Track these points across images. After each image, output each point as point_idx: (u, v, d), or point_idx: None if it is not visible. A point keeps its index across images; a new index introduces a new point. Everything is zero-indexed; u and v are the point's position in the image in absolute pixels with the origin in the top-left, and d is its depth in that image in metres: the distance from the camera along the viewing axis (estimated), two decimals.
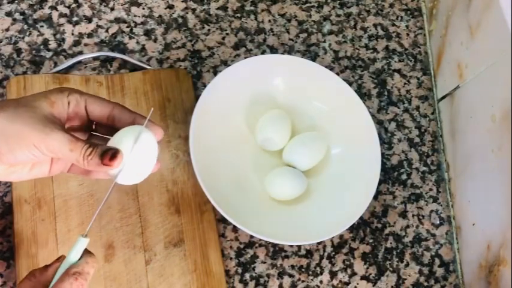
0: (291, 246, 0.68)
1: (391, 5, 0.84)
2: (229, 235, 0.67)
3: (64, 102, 0.48)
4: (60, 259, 0.48)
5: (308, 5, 0.81)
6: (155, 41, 0.74)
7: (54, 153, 0.46)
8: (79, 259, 0.47)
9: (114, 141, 0.48)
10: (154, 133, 0.49)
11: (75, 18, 0.73)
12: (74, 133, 0.49)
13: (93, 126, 0.52)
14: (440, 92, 0.79)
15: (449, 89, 0.75)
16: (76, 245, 0.47)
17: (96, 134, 0.52)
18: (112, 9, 0.75)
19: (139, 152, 0.47)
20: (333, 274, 0.68)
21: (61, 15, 0.73)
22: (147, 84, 0.70)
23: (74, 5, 0.74)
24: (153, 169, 0.50)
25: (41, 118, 0.46)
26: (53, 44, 0.71)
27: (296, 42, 0.78)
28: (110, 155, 0.46)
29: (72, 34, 0.72)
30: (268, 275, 0.66)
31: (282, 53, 0.77)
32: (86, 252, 0.47)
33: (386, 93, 0.78)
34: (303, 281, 0.67)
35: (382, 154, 0.74)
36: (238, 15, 0.78)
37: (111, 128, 0.50)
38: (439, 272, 0.71)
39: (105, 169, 0.46)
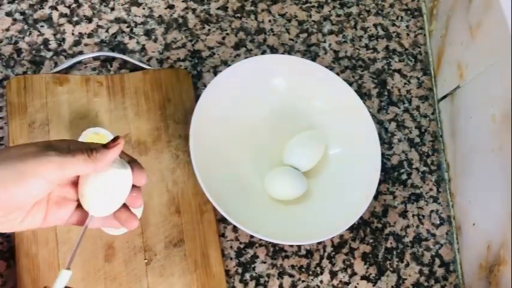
0: (291, 246, 0.68)
1: (391, 5, 0.84)
2: (230, 235, 0.67)
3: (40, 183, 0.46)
4: None
5: (308, 5, 0.81)
6: (155, 41, 0.74)
7: (59, 167, 0.44)
8: None
9: None
10: (136, 176, 0.49)
11: (75, 18, 0.73)
12: None
13: None
14: (440, 92, 0.79)
15: (450, 89, 0.75)
16: (59, 279, 0.46)
17: None
18: (112, 9, 0.75)
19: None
20: (333, 274, 0.68)
21: (61, 15, 0.73)
22: (147, 84, 0.70)
23: (74, 5, 0.74)
24: (137, 210, 0.49)
25: (37, 148, 0.44)
26: (53, 44, 0.71)
27: (296, 42, 0.78)
28: (111, 141, 0.47)
29: (73, 34, 0.72)
30: (268, 275, 0.66)
31: (282, 53, 0.77)
32: None
33: (386, 93, 0.78)
34: (303, 281, 0.67)
35: (382, 154, 0.74)
36: (239, 15, 0.78)
37: None
38: (439, 272, 0.71)
39: (113, 153, 0.46)
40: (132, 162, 0.49)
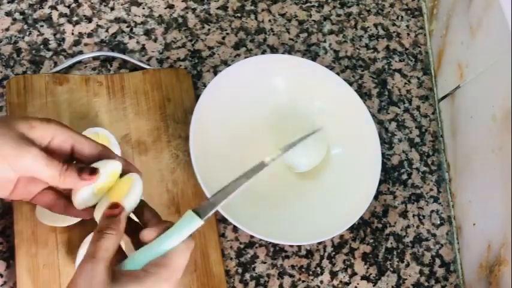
0: (291, 246, 0.68)
1: (392, 5, 0.84)
2: (230, 235, 0.67)
3: (46, 133, 0.47)
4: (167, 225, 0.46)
5: (308, 4, 0.81)
6: (155, 40, 0.74)
7: (27, 169, 0.46)
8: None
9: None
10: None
11: (75, 18, 0.73)
12: None
13: (74, 162, 0.51)
14: (440, 91, 0.78)
15: (450, 88, 0.75)
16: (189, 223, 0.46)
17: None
18: (112, 9, 0.75)
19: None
20: (333, 274, 0.68)
21: (61, 15, 0.73)
22: (147, 84, 0.70)
23: (74, 5, 0.74)
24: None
25: (16, 136, 0.45)
26: (53, 44, 0.71)
27: (296, 42, 0.78)
28: (89, 170, 0.47)
29: (72, 34, 0.72)
30: (268, 275, 0.66)
31: (282, 53, 0.77)
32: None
33: (386, 93, 0.78)
34: (303, 281, 0.67)
35: (383, 154, 0.74)
36: (239, 15, 0.78)
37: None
38: (440, 272, 0.71)
39: (82, 184, 0.47)
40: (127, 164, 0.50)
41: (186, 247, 0.45)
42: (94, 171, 0.47)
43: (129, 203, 0.48)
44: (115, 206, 0.46)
